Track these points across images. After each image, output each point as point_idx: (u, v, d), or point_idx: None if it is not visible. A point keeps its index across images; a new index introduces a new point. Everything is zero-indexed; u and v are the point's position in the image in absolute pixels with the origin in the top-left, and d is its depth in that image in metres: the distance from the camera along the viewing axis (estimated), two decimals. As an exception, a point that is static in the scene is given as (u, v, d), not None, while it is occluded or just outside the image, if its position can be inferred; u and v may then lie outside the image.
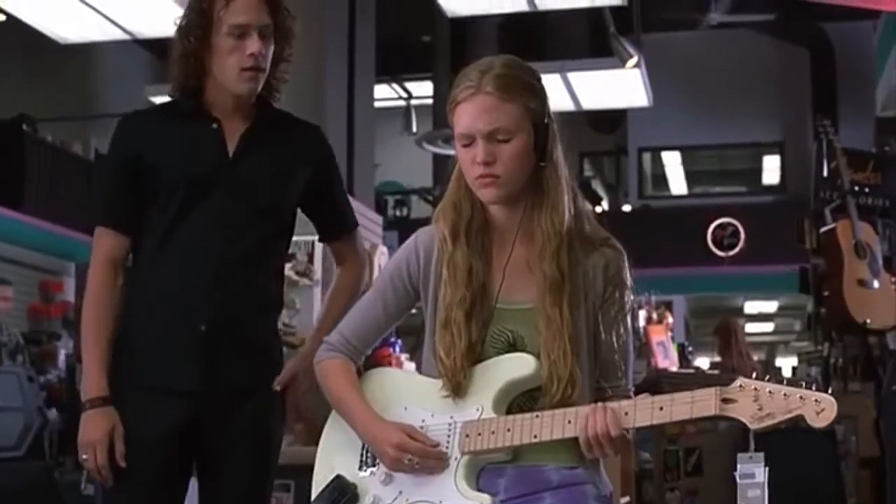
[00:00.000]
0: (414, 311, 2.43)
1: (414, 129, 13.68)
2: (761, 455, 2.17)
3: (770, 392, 2.04)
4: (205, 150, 2.70)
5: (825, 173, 6.62)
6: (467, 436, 2.22)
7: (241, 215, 2.69)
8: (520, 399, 2.25)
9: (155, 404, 2.64)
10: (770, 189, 16.67)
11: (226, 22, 2.63)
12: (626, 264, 2.33)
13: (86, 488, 3.36)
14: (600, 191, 18.36)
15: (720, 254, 14.54)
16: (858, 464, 5.71)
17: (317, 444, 2.44)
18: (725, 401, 2.05)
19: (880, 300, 6.17)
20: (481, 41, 11.83)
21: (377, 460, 2.30)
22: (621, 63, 9.62)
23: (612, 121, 16.36)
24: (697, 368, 8.01)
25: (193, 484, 2.77)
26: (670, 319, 8.48)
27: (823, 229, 6.41)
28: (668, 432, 5.38)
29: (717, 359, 8.30)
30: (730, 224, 14.57)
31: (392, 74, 13.21)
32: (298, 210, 2.84)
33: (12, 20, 7.99)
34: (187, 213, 2.67)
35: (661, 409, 2.10)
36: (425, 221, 2.43)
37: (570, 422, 2.15)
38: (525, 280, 2.28)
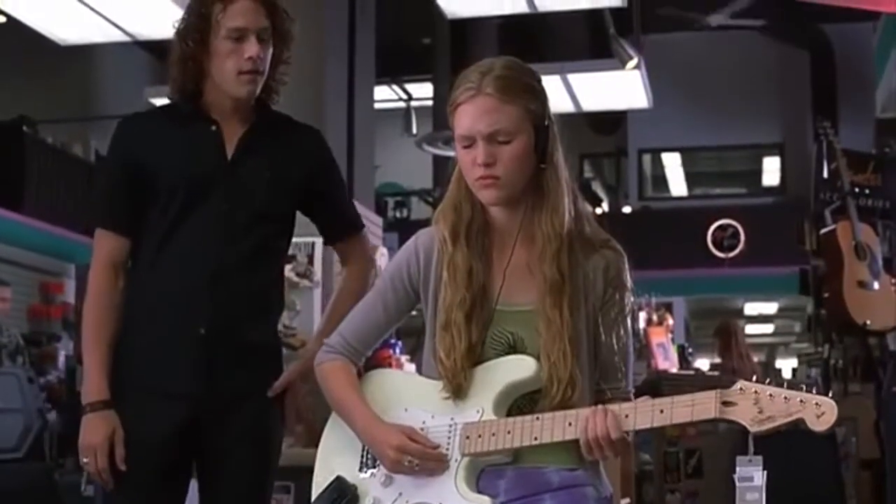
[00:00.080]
0: (414, 312, 2.43)
1: (414, 130, 13.67)
2: (760, 458, 2.17)
3: (770, 395, 2.04)
4: (204, 153, 2.71)
5: (825, 175, 6.62)
6: (468, 437, 2.22)
7: (240, 218, 2.69)
8: (520, 401, 2.25)
9: (155, 405, 2.65)
10: (770, 190, 16.67)
11: (224, 25, 2.64)
12: (627, 266, 2.33)
13: (86, 490, 3.35)
14: (600, 192, 18.35)
15: (720, 255, 14.54)
16: (859, 465, 5.70)
17: (317, 445, 2.44)
18: (726, 404, 2.05)
19: (880, 301, 6.17)
20: (481, 43, 11.82)
21: (377, 462, 2.30)
22: (621, 64, 9.62)
23: (612, 122, 16.35)
24: (697, 370, 8.01)
25: (193, 485, 2.77)
26: (670, 321, 8.50)
27: (823, 231, 6.41)
28: (668, 434, 5.38)
29: (717, 360, 8.29)
30: (730, 225, 14.58)
31: (392, 76, 13.20)
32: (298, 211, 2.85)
33: (12, 21, 7.98)
34: (186, 215, 2.67)
35: (662, 411, 2.10)
36: (425, 223, 2.43)
37: (570, 424, 2.15)
38: (525, 282, 2.28)
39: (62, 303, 9.89)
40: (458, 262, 2.28)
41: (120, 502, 2.67)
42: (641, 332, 7.53)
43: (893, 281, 6.34)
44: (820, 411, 2.01)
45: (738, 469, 2.18)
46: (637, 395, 2.25)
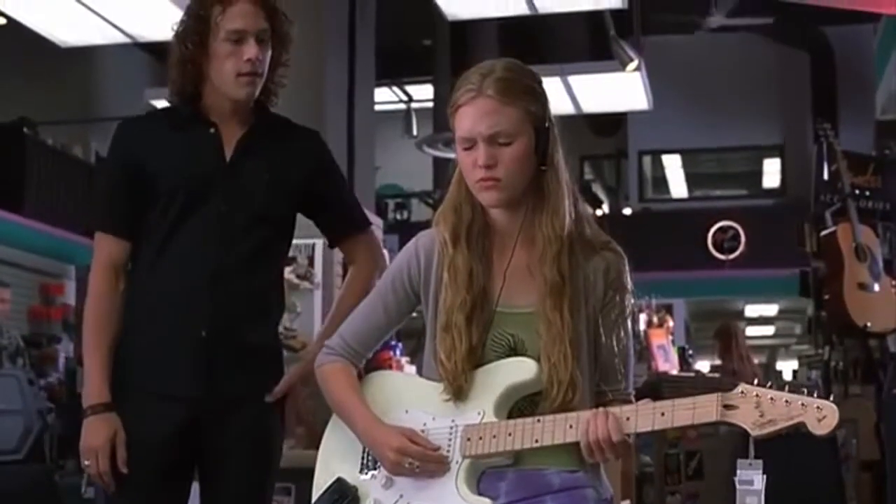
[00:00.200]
0: (415, 314, 2.43)
1: (414, 132, 13.68)
2: (760, 462, 2.16)
3: (772, 399, 2.04)
4: (203, 155, 2.71)
5: (825, 176, 6.62)
6: (468, 439, 2.22)
7: (239, 220, 2.69)
8: (520, 403, 2.25)
9: (155, 406, 2.65)
10: (770, 192, 16.66)
11: (223, 27, 2.64)
12: (627, 268, 2.33)
13: (86, 491, 3.36)
14: (601, 194, 18.35)
15: (720, 257, 14.54)
16: (859, 467, 5.70)
17: (317, 447, 2.44)
18: (727, 407, 2.05)
19: (881, 303, 6.17)
20: (482, 44, 11.82)
21: (378, 464, 2.30)
22: (621, 66, 9.62)
23: (612, 124, 16.35)
24: (698, 372, 8.01)
25: (195, 487, 2.77)
26: (671, 323, 8.49)
27: (824, 232, 6.41)
28: (668, 436, 5.37)
29: (718, 362, 8.29)
30: (730, 227, 14.58)
31: (392, 78, 13.21)
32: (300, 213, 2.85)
33: (13, 23, 7.98)
34: (186, 217, 2.67)
35: (663, 414, 2.10)
36: (426, 225, 2.42)
37: (571, 426, 2.15)
38: (526, 284, 2.28)
39: (62, 304, 9.90)
40: (458, 264, 2.28)
41: (121, 504, 2.67)
42: (642, 333, 7.53)
43: (894, 283, 6.34)
44: (821, 415, 2.00)
45: (738, 472, 2.18)
46: (637, 397, 2.25)
